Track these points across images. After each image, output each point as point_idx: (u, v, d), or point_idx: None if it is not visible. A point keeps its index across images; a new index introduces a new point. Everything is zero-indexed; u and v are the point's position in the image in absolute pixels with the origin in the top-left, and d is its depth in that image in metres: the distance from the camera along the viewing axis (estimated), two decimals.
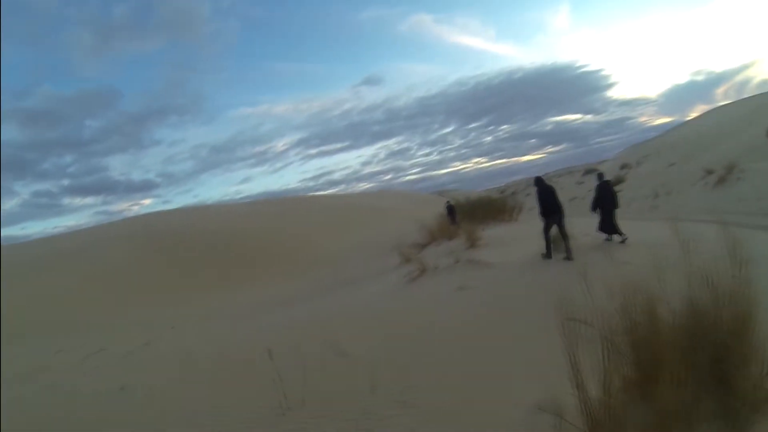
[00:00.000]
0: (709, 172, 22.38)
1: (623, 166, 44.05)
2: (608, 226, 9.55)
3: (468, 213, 18.24)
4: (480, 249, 11.66)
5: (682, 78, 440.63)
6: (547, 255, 8.91)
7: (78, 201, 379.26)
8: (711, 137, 36.08)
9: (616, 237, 9.50)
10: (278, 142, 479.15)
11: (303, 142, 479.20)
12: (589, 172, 50.36)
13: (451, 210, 21.46)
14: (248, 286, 19.39)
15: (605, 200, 9.64)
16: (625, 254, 8.01)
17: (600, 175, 10.57)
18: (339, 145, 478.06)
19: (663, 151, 43.05)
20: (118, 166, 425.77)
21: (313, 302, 11.63)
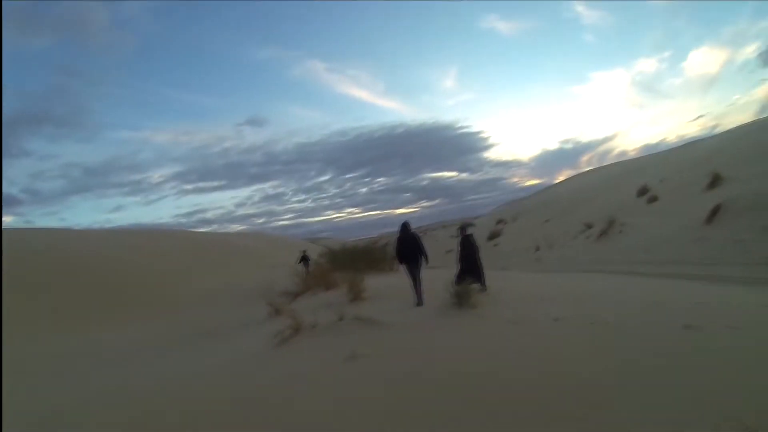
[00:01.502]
0: (589, 226, 23.81)
1: (499, 221, 46.81)
2: (477, 274, 9.59)
3: (346, 262, 16.37)
4: (364, 303, 9.75)
5: (552, 145, 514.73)
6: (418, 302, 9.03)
7: None
8: (582, 197, 39.45)
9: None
10: (155, 173, 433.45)
11: (180, 176, 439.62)
12: (464, 226, 53.00)
13: (305, 258, 22.33)
14: (98, 323, 15.55)
15: (470, 252, 9.76)
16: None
17: (462, 229, 10.57)
18: (215, 183, 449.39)
19: (537, 208, 46.55)
20: None
21: (161, 359, 9.03)
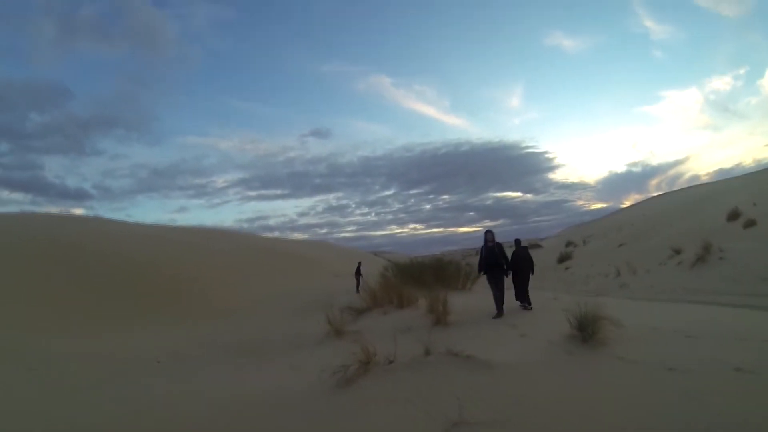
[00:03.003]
0: (677, 251, 21.34)
1: (568, 244, 43.43)
2: (521, 293, 9.18)
3: (414, 276, 14.03)
4: (449, 328, 7.43)
5: (620, 167, 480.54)
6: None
7: (5, 194, 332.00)
8: (659, 221, 36.26)
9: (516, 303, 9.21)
10: (219, 178, 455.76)
11: (243, 183, 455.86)
12: (532, 246, 50.35)
13: (358, 271, 20.60)
14: (141, 325, 13.77)
15: (522, 265, 9.13)
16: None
17: (517, 241, 9.78)
18: (279, 192, 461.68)
19: (608, 232, 43.22)
20: (54, 168, 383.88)
21: (190, 376, 7.26)
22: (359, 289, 17.63)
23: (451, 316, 7.86)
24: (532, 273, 9.27)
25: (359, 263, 22.47)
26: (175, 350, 9.90)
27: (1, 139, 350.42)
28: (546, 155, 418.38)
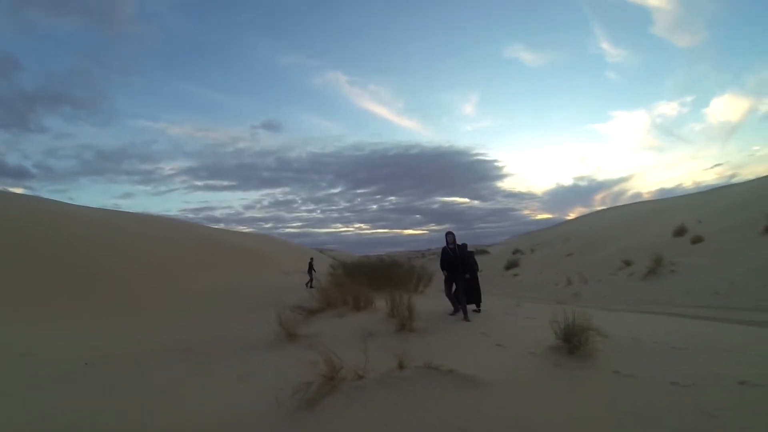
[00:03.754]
0: (627, 263, 22.06)
1: (516, 251, 44.56)
2: (478, 295, 9.19)
3: (366, 276, 13.09)
4: (414, 335, 6.67)
5: (567, 180, 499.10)
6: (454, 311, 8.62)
7: None
8: (607, 234, 37.43)
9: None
10: (167, 165, 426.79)
11: (191, 172, 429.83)
12: (479, 252, 51.05)
13: (311, 267, 20.30)
14: (73, 317, 12.10)
15: (472, 268, 9.05)
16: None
17: (463, 246, 9.24)
18: (226, 183, 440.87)
19: (555, 242, 44.63)
20: None
21: (115, 386, 5.96)
22: (312, 284, 17.38)
23: (416, 321, 7.00)
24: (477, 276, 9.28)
25: (311, 259, 21.74)
26: (108, 350, 8.55)
27: None
28: (495, 163, 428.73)
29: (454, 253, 8.59)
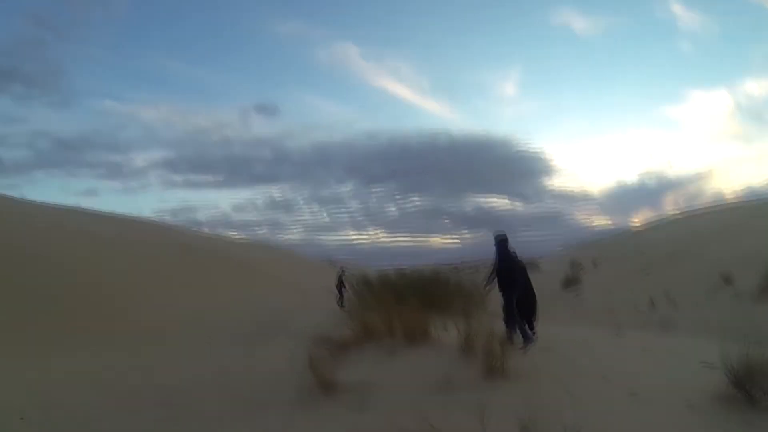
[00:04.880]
0: (727, 280, 18.29)
1: (574, 265, 38.88)
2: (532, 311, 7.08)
3: (414, 295, 10.78)
4: (516, 383, 4.79)
5: (631, 178, 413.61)
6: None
7: None
8: (691, 246, 33.32)
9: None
10: (138, 156, 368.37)
11: (169, 164, 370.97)
12: (529, 266, 44.29)
13: (341, 283, 17.17)
14: (18, 347, 9.56)
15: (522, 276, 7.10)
16: None
17: (502, 240, 7.56)
18: (211, 178, 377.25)
19: (626, 255, 39.31)
20: None
21: None
22: (342, 302, 15.52)
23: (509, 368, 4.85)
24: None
25: (342, 271, 18.81)
26: (55, 397, 6.57)
27: None
28: (541, 156, 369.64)
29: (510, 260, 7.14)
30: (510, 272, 7.04)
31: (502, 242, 7.41)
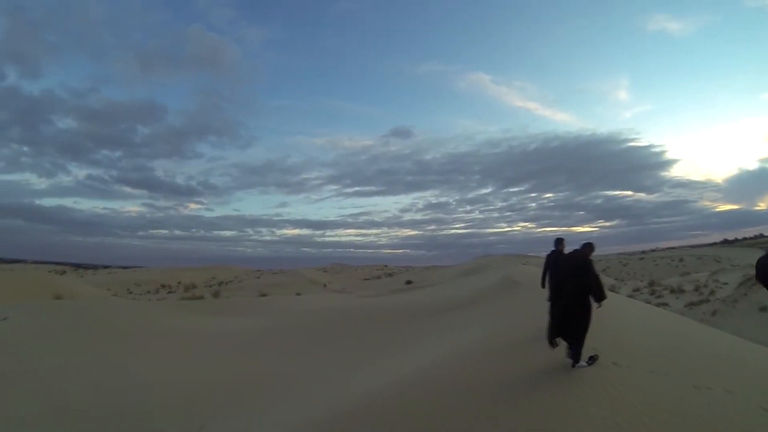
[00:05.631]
0: None
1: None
2: (556, 332, 5.97)
3: None
4: None
5: (751, 164, 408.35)
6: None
7: (127, 190, 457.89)
8: None
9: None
10: (309, 175, 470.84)
11: (335, 180, 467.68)
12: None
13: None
14: None
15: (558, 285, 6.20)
16: None
17: (558, 241, 7.42)
18: (374, 188, 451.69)
19: None
20: (163, 169, 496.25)
21: None
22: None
23: None
24: (596, 300, 5.84)
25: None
26: None
27: (116, 147, 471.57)
28: (652, 149, 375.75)
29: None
30: (558, 281, 6.35)
31: (556, 246, 7.16)
